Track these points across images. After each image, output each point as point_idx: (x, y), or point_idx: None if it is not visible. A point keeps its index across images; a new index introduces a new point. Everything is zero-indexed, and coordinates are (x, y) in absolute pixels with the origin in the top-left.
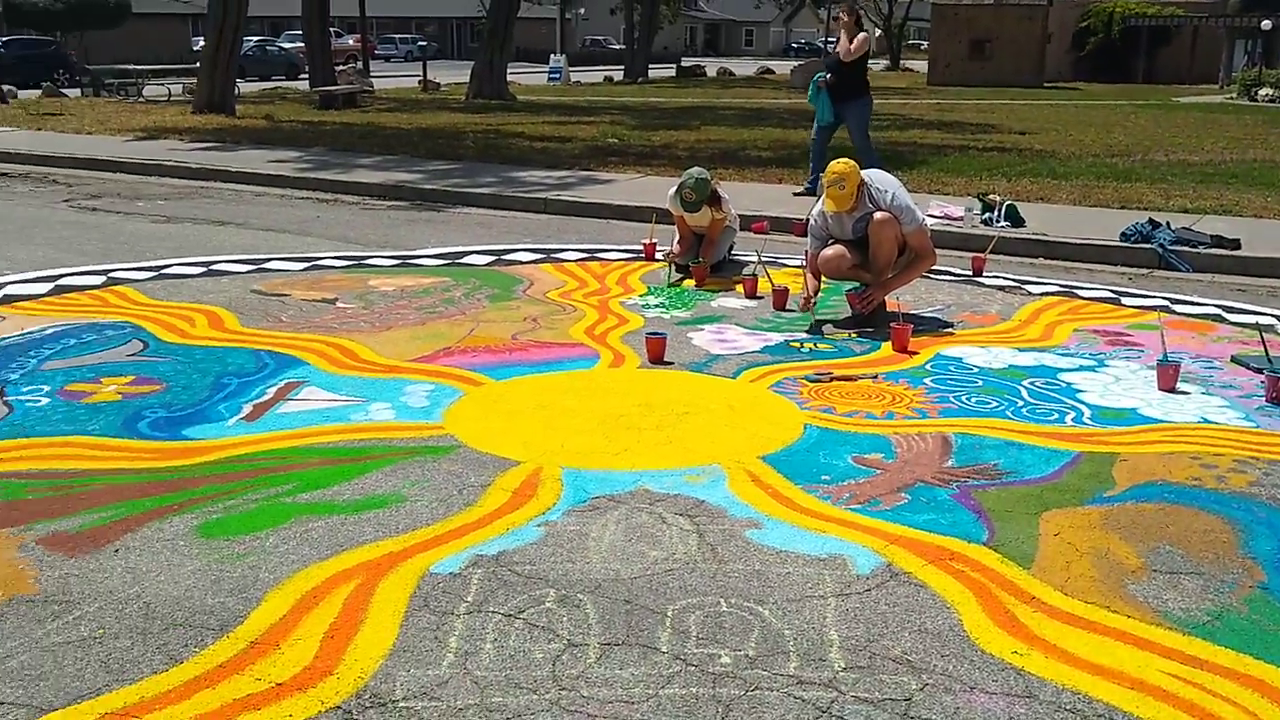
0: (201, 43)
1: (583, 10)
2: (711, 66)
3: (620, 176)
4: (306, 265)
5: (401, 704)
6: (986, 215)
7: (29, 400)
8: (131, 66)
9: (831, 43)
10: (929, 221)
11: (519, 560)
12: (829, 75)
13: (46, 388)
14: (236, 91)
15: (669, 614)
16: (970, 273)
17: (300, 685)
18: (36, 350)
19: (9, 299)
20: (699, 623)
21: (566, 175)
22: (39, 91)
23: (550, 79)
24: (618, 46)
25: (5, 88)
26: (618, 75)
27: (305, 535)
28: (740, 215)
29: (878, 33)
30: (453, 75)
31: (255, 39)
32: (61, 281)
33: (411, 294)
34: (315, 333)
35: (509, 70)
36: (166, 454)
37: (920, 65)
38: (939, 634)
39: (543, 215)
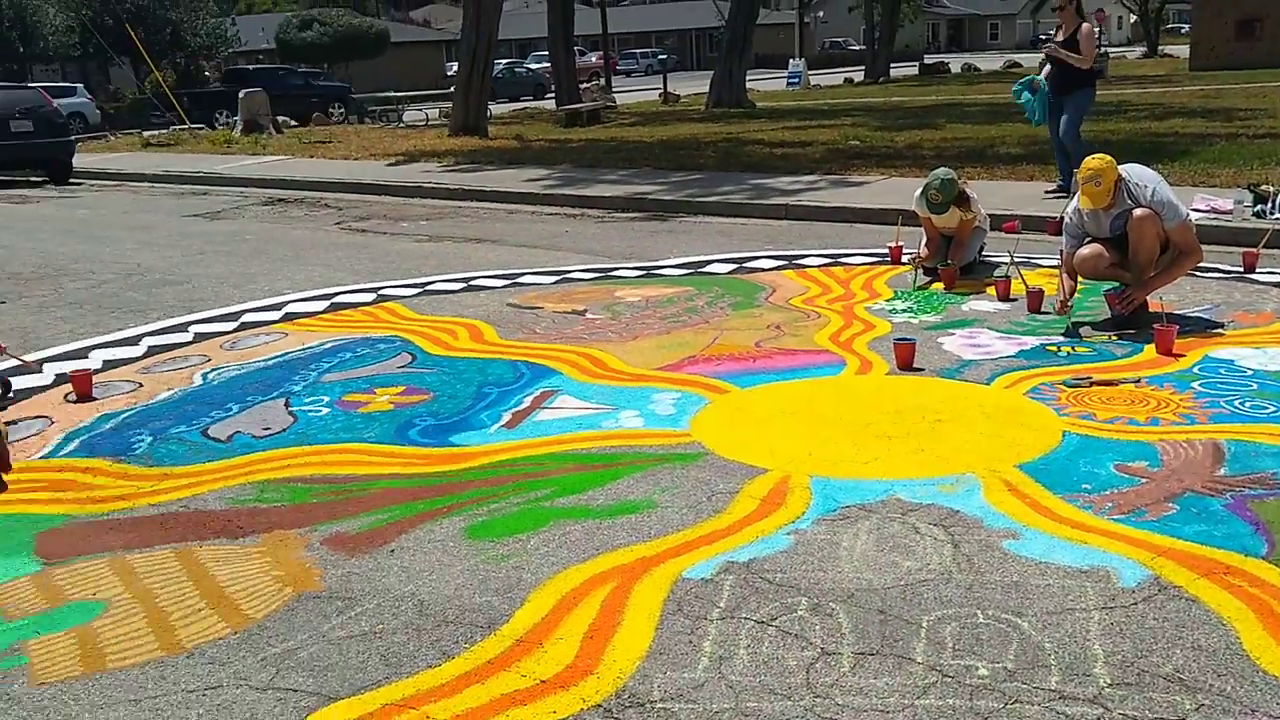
0: (455, 68)
1: (821, 13)
2: (955, 63)
3: (863, 179)
4: (557, 278)
5: (659, 705)
6: (1259, 208)
7: (311, 410)
8: (391, 94)
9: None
10: (1193, 216)
11: (769, 568)
12: (1045, 69)
13: (326, 398)
14: (488, 113)
15: (924, 625)
16: (1241, 269)
17: (563, 683)
18: (316, 364)
19: (290, 316)
20: (955, 634)
21: (807, 180)
22: (310, 121)
23: (789, 84)
24: (857, 47)
25: (279, 118)
26: (858, 76)
27: (564, 538)
28: (990, 215)
29: (1132, 19)
30: (692, 86)
31: (504, 62)
32: (336, 299)
33: (656, 304)
34: (567, 343)
35: (748, 77)
36: (435, 459)
37: (1181, 50)
38: (1214, 652)
39: (783, 221)
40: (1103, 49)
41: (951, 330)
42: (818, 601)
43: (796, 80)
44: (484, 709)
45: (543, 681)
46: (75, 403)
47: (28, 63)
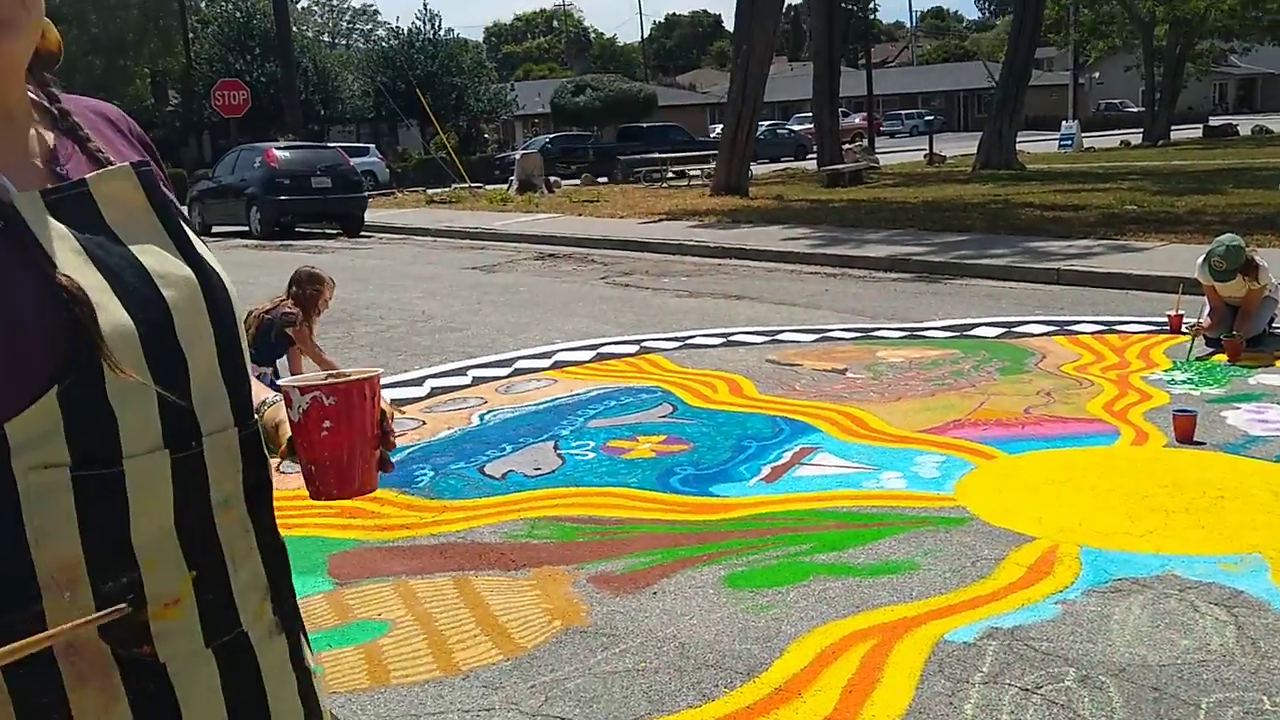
0: (719, 129)
1: (1097, 74)
2: (1245, 125)
3: (1140, 245)
4: (817, 336)
5: None
6: None
7: (578, 454)
8: (656, 155)
9: None
10: None
11: (1035, 636)
12: None
13: (592, 443)
14: (750, 174)
15: (1203, 706)
16: None
17: None
18: (583, 410)
19: (559, 364)
20: (1238, 718)
21: (1080, 244)
22: (579, 181)
23: (1061, 146)
24: (1136, 109)
25: (552, 178)
26: (1135, 139)
27: (823, 594)
28: None
29: None
30: (958, 147)
31: (766, 123)
32: (601, 349)
33: (920, 365)
34: (826, 401)
35: (1018, 139)
36: (696, 508)
37: None
38: None
39: (1055, 286)
40: None
41: (1237, 404)
42: (1087, 674)
43: (1069, 142)
44: None
45: None
46: None
47: (327, 124)
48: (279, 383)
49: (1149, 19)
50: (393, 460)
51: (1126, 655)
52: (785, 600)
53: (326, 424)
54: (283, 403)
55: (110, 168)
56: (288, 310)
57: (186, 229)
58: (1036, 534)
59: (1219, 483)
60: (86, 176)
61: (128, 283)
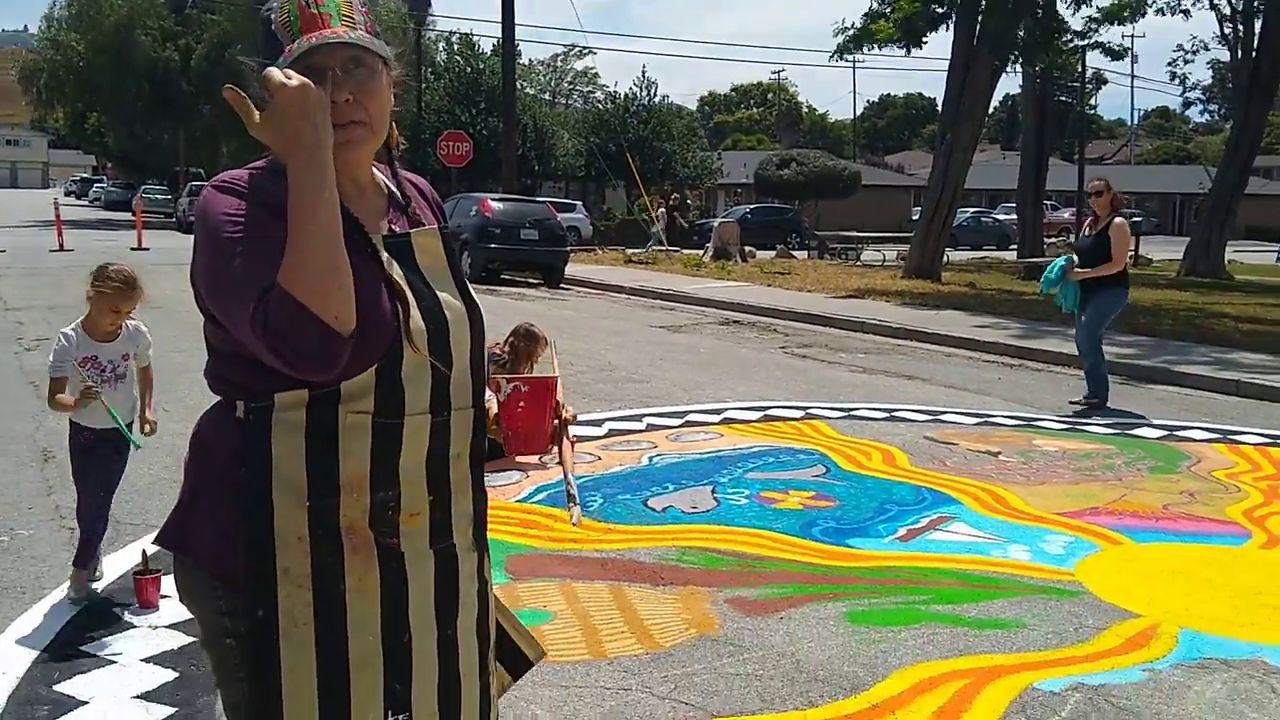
0: (919, 212)
1: None
2: None
3: None
4: (978, 420)
5: None
6: None
7: (732, 499)
8: (853, 233)
9: None
10: None
11: (1117, 694)
12: (1075, 259)
13: (746, 492)
14: (945, 259)
15: None
16: None
17: None
18: (743, 463)
19: (728, 420)
20: None
21: (1269, 359)
22: (773, 253)
23: (1279, 260)
24: None
25: (747, 248)
26: None
27: (931, 637)
28: None
29: None
30: (1167, 251)
31: (971, 210)
32: (769, 412)
33: (1073, 456)
34: (973, 479)
35: (1230, 247)
36: (831, 555)
37: None
38: None
39: (1231, 397)
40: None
41: None
42: None
43: None
44: None
45: None
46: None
47: (539, 179)
48: (494, 374)
49: None
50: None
51: (1196, 718)
52: (896, 638)
53: (521, 404)
54: (486, 403)
55: (424, 227)
56: (496, 353)
57: (463, 275)
58: (1142, 612)
59: None
60: (410, 231)
61: (425, 303)
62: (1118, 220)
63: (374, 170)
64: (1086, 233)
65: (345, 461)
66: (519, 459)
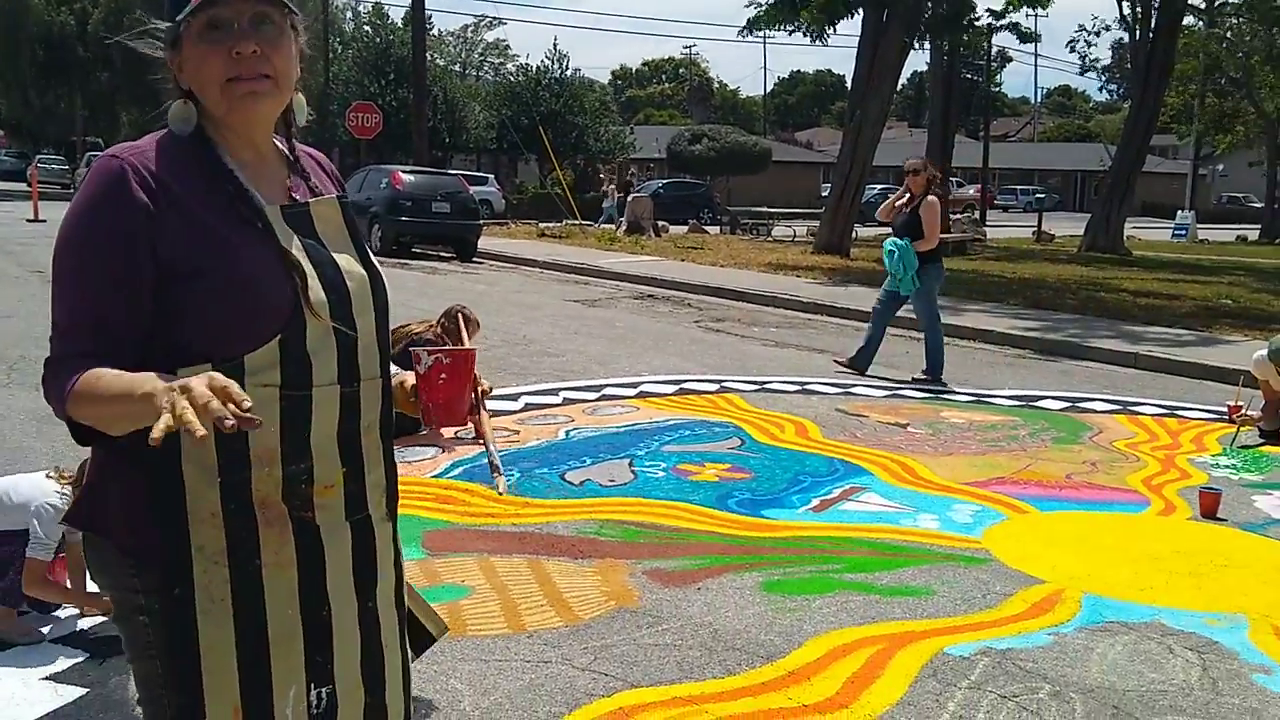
0: (828, 189)
1: (1221, 167)
2: None
3: (1226, 339)
4: (888, 393)
5: None
6: None
7: (649, 471)
8: (764, 209)
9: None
10: None
11: (1023, 658)
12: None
13: (663, 465)
14: (854, 235)
15: None
16: None
17: (819, 710)
18: (659, 435)
19: (644, 394)
20: None
21: (1165, 332)
22: (685, 227)
23: (1175, 236)
24: (1259, 205)
25: (660, 223)
26: (1253, 234)
27: (844, 605)
28: None
29: None
30: (1069, 227)
31: (879, 187)
32: (684, 385)
33: (979, 428)
34: (883, 450)
35: (1129, 224)
36: (746, 526)
37: None
38: None
39: (1130, 370)
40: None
41: (1270, 490)
42: (1059, 690)
43: (1183, 233)
44: (752, 715)
45: (804, 705)
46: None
47: (450, 152)
48: (413, 348)
49: (1276, 117)
50: (484, 460)
51: (1098, 679)
52: (811, 606)
53: (442, 376)
54: (401, 376)
55: (323, 197)
56: (428, 336)
57: (365, 244)
58: (1047, 578)
59: (1227, 553)
60: (309, 200)
61: (326, 272)
62: (930, 198)
63: (274, 141)
64: (902, 204)
65: (254, 435)
66: (440, 432)
